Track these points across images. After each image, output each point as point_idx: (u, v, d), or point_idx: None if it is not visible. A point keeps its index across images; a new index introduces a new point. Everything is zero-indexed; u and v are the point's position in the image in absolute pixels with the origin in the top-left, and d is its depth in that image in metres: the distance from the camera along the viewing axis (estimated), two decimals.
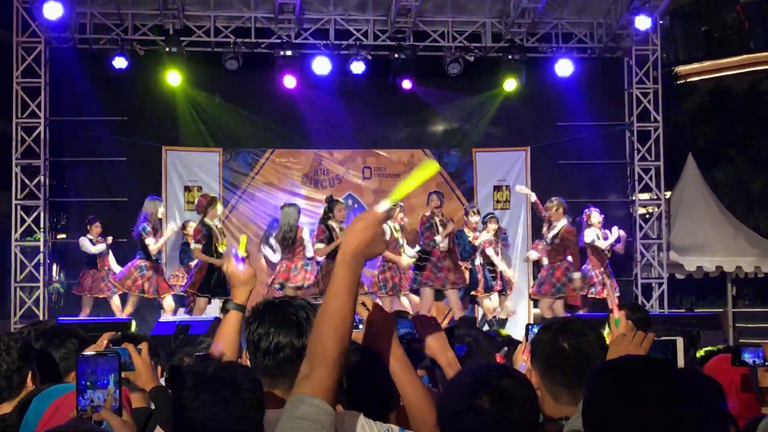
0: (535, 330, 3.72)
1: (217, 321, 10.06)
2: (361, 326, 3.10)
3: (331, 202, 13.88)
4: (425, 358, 3.51)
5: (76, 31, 15.37)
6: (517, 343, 5.54)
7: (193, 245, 13.35)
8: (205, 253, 13.00)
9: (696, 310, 18.63)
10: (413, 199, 14.83)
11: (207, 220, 13.22)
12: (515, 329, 12.86)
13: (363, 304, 3.06)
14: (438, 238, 13.57)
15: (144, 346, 3.90)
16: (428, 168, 2.73)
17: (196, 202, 13.86)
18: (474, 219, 14.57)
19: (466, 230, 14.59)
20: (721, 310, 18.29)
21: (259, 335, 3.04)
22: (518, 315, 15.75)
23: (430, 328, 3.42)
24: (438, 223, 13.72)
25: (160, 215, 14.07)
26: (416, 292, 13.95)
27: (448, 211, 15.34)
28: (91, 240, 14.35)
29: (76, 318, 13.43)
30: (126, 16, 15.42)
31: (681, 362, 3.48)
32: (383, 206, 2.60)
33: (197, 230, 13.27)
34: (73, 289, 14.48)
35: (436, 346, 3.40)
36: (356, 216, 2.67)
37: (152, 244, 13.59)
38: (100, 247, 14.35)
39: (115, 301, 14.15)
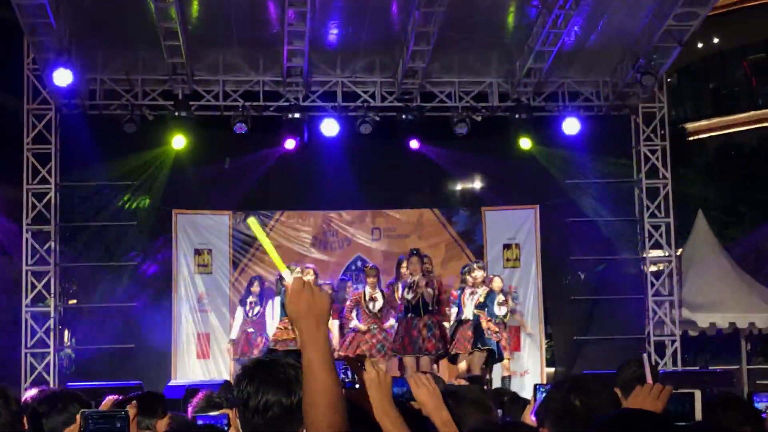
0: (543, 390, 3.71)
1: (227, 384, 9.99)
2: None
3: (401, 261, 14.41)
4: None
5: (86, 98, 15.52)
6: (524, 401, 5.50)
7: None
8: None
9: (710, 367, 18.48)
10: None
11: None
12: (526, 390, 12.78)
13: (358, 362, 3.06)
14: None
15: (131, 408, 3.86)
16: (255, 228, 2.87)
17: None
18: (478, 274, 14.46)
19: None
20: (736, 367, 18.12)
21: (248, 393, 3.06)
22: (531, 374, 15.68)
23: (425, 386, 3.40)
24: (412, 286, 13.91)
25: None
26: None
27: (457, 270, 15.26)
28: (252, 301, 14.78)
29: (86, 383, 13.40)
30: (135, 82, 15.57)
31: (699, 415, 3.46)
32: (287, 277, 2.70)
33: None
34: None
35: (430, 404, 3.37)
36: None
37: None
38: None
39: None
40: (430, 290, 13.78)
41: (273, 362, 3.16)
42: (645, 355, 4.07)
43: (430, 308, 13.86)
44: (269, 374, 3.09)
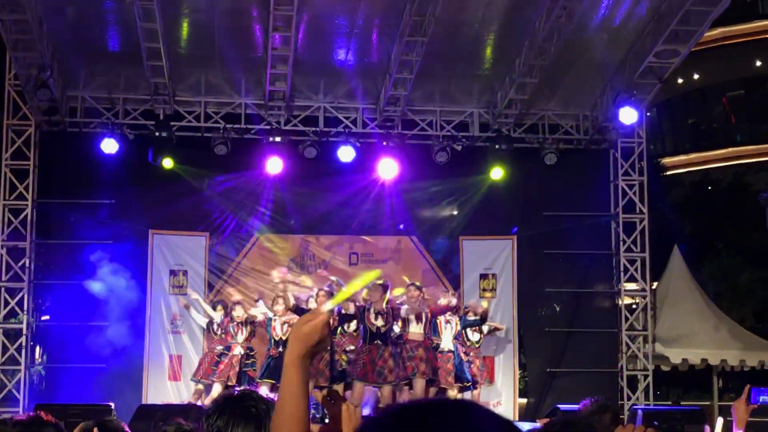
0: (524, 427, 3.73)
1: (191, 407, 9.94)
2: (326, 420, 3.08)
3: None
4: None
5: (67, 115, 15.47)
6: None
7: None
8: None
9: (682, 404, 18.51)
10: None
11: None
12: None
13: (328, 398, 3.02)
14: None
15: None
16: (369, 275, 2.76)
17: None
18: (442, 302, 14.40)
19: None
20: (708, 403, 18.17)
21: (219, 428, 3.05)
22: (504, 405, 15.67)
23: (356, 421, 3.36)
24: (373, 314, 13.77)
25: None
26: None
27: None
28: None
29: (55, 402, 13.28)
30: (117, 101, 15.55)
31: None
32: (327, 307, 2.52)
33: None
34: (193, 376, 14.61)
35: None
36: (301, 318, 2.52)
37: None
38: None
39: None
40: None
41: (244, 396, 3.15)
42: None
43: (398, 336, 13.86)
44: (239, 409, 3.08)
